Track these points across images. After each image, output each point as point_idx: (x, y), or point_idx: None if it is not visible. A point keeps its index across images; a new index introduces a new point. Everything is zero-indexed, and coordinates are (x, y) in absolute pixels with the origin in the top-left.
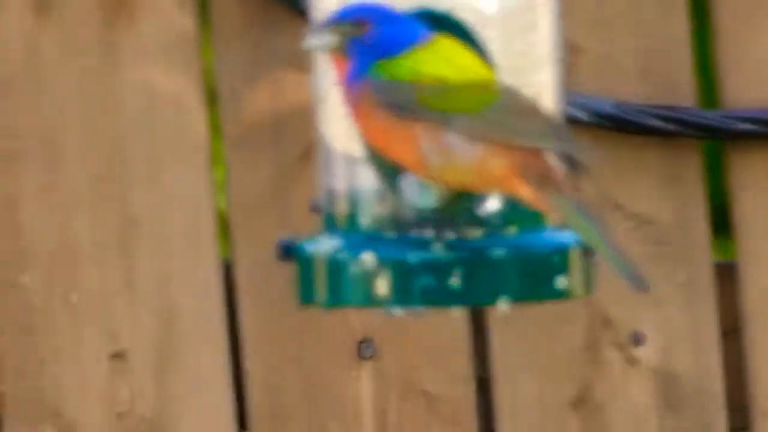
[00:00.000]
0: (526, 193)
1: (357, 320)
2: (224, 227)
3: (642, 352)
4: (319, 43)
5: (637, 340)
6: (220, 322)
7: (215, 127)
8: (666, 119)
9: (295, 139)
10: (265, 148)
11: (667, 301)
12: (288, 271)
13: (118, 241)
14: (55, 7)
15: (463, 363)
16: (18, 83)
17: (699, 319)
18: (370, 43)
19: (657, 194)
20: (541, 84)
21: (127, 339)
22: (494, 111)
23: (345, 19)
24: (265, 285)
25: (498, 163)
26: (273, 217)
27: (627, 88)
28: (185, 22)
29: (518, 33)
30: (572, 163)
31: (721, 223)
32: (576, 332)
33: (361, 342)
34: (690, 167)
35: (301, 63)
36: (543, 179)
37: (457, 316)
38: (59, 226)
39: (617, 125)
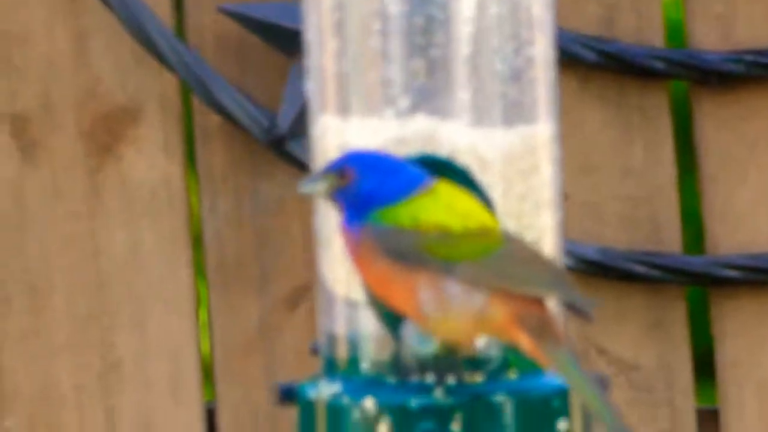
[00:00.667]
0: (524, 342)
1: None
2: (207, 372)
3: None
4: (307, 190)
5: None
6: None
7: (199, 272)
8: (650, 265)
9: (280, 284)
10: (250, 293)
11: None
12: (271, 416)
13: (99, 385)
14: (41, 152)
15: None
16: (3, 227)
17: None
18: (353, 193)
19: (641, 340)
20: (542, 228)
21: None
22: (498, 259)
23: (331, 168)
24: (249, 430)
25: (499, 311)
26: (257, 363)
27: (611, 233)
28: (171, 167)
29: (519, 177)
30: (574, 312)
31: (706, 368)
32: None
33: None
34: (674, 313)
35: (287, 207)
36: (542, 329)
37: None
38: (42, 369)
39: (601, 271)
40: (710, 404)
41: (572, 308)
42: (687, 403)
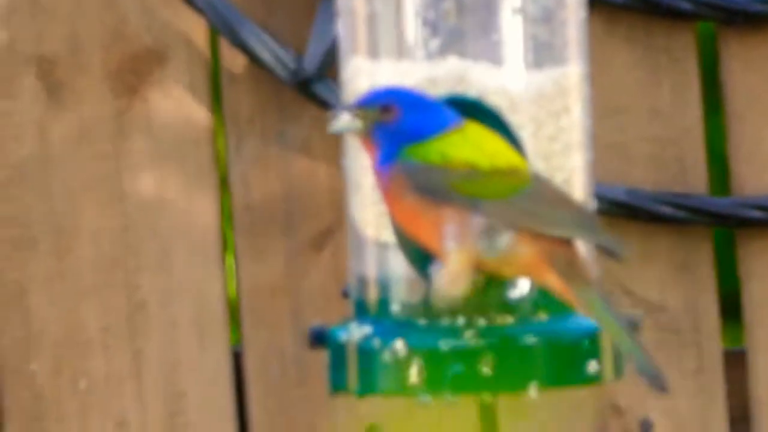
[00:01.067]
0: (553, 281)
1: (365, 409)
2: (234, 315)
3: None
4: (344, 127)
5: (646, 427)
6: (229, 411)
7: (226, 215)
8: (677, 206)
9: (307, 226)
10: (276, 235)
11: (676, 389)
12: (298, 359)
13: (126, 327)
14: (67, 94)
15: None
16: (29, 170)
17: (708, 406)
18: (396, 129)
19: (667, 281)
20: (571, 169)
21: (135, 426)
22: (524, 198)
23: (372, 103)
24: (275, 374)
25: (526, 251)
26: (283, 306)
27: (638, 175)
28: (197, 109)
29: (549, 118)
30: (604, 253)
31: (733, 309)
32: (585, 419)
33: (369, 430)
34: (701, 254)
35: (313, 150)
36: (571, 269)
37: (466, 403)
38: (68, 312)
39: (628, 212)
40: (737, 345)
41: (602, 249)
42: (713, 345)
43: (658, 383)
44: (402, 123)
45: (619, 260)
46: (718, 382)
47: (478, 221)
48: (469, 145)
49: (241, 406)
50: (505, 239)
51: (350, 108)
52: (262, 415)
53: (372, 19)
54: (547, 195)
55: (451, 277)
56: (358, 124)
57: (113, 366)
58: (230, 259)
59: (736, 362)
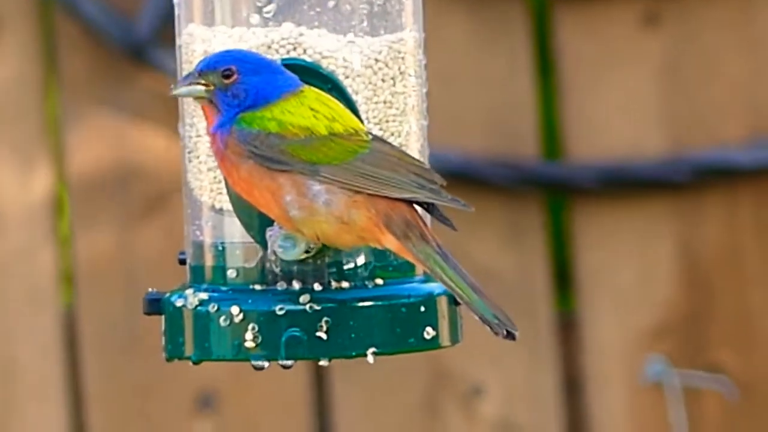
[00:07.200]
0: (390, 243)
1: (200, 374)
2: (68, 279)
3: (482, 405)
4: (186, 91)
5: (478, 392)
6: (62, 375)
7: (61, 181)
8: (509, 172)
9: (141, 192)
10: (111, 200)
11: (508, 354)
12: (132, 324)
13: None
14: None
15: (304, 415)
16: None
17: (539, 372)
18: (236, 94)
19: (500, 248)
20: (406, 134)
21: None
22: (362, 162)
23: (213, 67)
24: (109, 338)
25: (362, 213)
26: (118, 271)
27: (472, 141)
28: (31, 74)
29: (384, 83)
30: (436, 219)
31: (565, 275)
32: (417, 385)
33: (203, 395)
34: (532, 221)
35: (148, 115)
36: (408, 229)
37: (301, 368)
38: None
39: (462, 179)
40: (568, 310)
41: (434, 215)
42: (544, 311)
43: (506, 329)
44: (243, 87)
45: (451, 226)
46: (549, 348)
47: (315, 186)
48: (306, 111)
49: (74, 370)
50: (342, 202)
51: (193, 73)
52: (96, 380)
53: None
54: (386, 158)
55: (288, 242)
56: (200, 88)
57: None
58: (65, 226)
59: (568, 328)
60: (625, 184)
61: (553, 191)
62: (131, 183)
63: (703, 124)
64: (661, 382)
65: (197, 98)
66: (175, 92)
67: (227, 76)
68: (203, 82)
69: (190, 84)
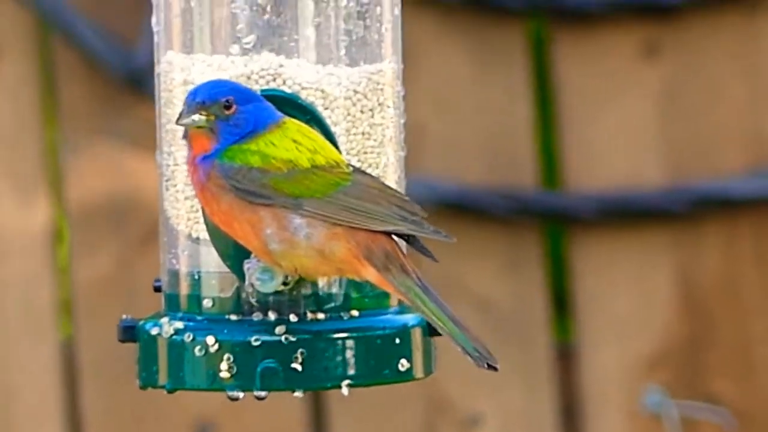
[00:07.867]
0: (370, 275)
1: (197, 403)
2: (67, 308)
3: None
4: (190, 121)
5: (476, 421)
6: (60, 403)
7: (60, 210)
8: (507, 202)
9: (136, 221)
10: (109, 229)
11: (506, 383)
12: (130, 353)
13: None
14: None
15: None
16: None
17: (536, 400)
18: (238, 123)
19: (498, 277)
20: (384, 165)
21: None
22: (345, 194)
23: (215, 98)
24: (107, 367)
25: (342, 245)
26: (116, 299)
27: (470, 170)
28: (30, 103)
29: (363, 114)
30: (418, 250)
31: (564, 304)
32: (415, 414)
33: (200, 425)
34: (530, 250)
35: (147, 145)
36: (388, 261)
37: (298, 398)
38: None
39: (459, 208)
40: (569, 341)
41: (414, 247)
42: (541, 340)
43: (486, 362)
44: (243, 117)
45: (432, 258)
46: (547, 376)
47: (296, 220)
48: (289, 143)
49: (72, 399)
50: (322, 235)
51: (197, 103)
52: (94, 408)
53: (187, 14)
54: (368, 190)
55: (266, 275)
56: (203, 118)
57: None
58: (64, 254)
59: (566, 355)
60: (624, 214)
61: (551, 221)
62: (130, 212)
63: (702, 155)
64: (659, 413)
65: (198, 127)
66: (182, 122)
67: (227, 107)
68: (204, 113)
69: (193, 114)
